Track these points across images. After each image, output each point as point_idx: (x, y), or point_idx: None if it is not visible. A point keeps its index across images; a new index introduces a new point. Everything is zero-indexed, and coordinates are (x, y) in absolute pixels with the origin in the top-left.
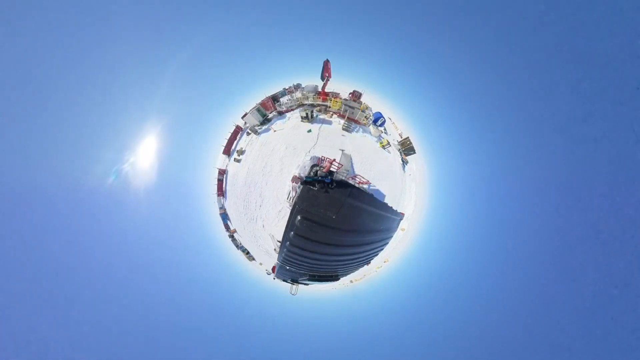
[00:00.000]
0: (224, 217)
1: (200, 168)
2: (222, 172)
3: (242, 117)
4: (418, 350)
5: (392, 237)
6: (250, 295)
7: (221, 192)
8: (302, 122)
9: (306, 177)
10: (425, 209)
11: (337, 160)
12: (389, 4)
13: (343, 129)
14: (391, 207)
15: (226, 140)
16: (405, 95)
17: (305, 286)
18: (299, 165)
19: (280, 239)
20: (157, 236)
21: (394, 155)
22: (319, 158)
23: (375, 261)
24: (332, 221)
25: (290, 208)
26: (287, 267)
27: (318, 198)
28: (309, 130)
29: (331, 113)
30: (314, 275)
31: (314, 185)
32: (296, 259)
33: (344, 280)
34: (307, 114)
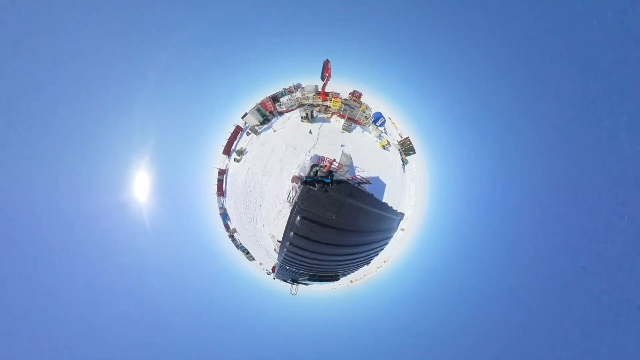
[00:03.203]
0: (224, 217)
1: (200, 168)
2: (222, 172)
3: (242, 117)
4: (417, 349)
5: (392, 237)
6: (250, 296)
7: (221, 192)
8: (302, 122)
9: (306, 177)
10: (425, 209)
11: (337, 160)
12: (389, 4)
13: (343, 129)
14: (391, 207)
15: (226, 140)
16: (405, 95)
17: (305, 286)
18: (299, 165)
19: (280, 239)
20: (157, 237)
21: (394, 155)
22: (319, 158)
23: (375, 261)
24: (332, 221)
25: (290, 208)
26: (287, 267)
27: (318, 198)
28: (310, 131)
29: (331, 113)
30: (314, 275)
31: (314, 185)
32: (296, 259)
33: (344, 280)
34: (307, 114)
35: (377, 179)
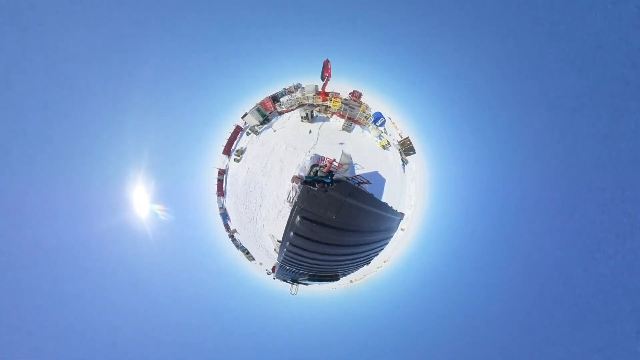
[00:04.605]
0: (224, 217)
1: (200, 168)
2: (222, 172)
3: (242, 117)
4: (417, 348)
5: (392, 237)
6: (250, 296)
7: (221, 192)
8: (302, 122)
9: (306, 177)
10: (425, 209)
11: (337, 160)
12: (389, 4)
13: (343, 129)
14: (391, 207)
15: (226, 140)
16: (405, 95)
17: (305, 286)
18: (299, 165)
19: (280, 239)
20: (160, 248)
21: (394, 155)
22: (319, 158)
23: (375, 261)
24: (332, 221)
25: (290, 208)
26: (287, 267)
27: (318, 198)
28: (310, 131)
29: (331, 113)
30: (314, 275)
31: (314, 185)
32: (296, 259)
33: (343, 280)
34: (307, 114)
35: (377, 178)
